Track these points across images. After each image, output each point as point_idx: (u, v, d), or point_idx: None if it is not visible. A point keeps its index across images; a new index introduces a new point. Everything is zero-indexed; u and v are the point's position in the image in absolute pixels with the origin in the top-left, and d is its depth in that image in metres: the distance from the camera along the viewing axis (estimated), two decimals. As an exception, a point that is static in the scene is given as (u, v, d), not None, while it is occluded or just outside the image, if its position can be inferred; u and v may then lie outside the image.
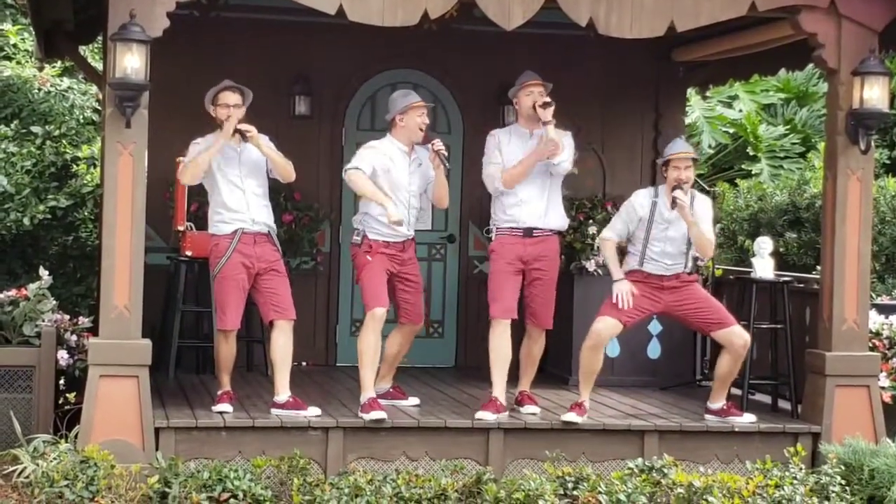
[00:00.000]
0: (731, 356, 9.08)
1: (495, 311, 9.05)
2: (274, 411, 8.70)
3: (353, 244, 9.04)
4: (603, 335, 9.03)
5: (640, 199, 9.11)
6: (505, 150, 9.12)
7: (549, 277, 9.19)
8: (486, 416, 8.81)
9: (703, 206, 9.10)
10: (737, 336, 9.04)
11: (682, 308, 9.14)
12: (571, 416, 8.87)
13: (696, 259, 9.34)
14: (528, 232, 9.11)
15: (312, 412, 8.68)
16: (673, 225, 9.02)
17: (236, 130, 8.71)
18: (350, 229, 9.28)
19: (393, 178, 8.94)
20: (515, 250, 9.09)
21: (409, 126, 8.97)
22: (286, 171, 8.87)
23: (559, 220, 9.23)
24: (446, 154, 8.97)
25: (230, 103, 8.74)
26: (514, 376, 9.35)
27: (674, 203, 8.89)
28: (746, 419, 9.11)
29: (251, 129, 8.73)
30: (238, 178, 8.77)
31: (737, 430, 8.99)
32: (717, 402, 9.18)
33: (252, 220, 8.78)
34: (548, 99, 8.98)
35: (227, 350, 8.91)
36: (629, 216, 9.09)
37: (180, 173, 8.92)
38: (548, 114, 8.94)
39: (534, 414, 9.07)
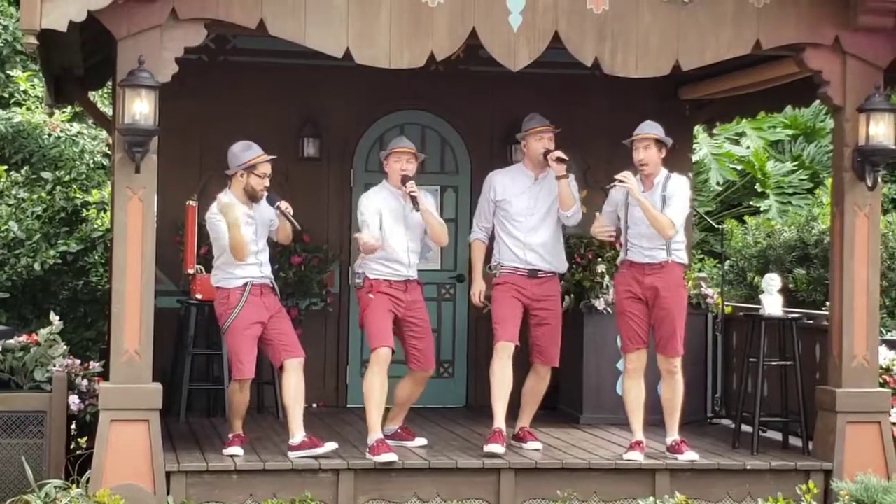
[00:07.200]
0: (665, 383, 9.15)
1: (500, 336, 9.08)
2: (290, 454, 8.67)
3: (356, 287, 9.09)
4: (636, 366, 9.07)
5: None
6: (501, 192, 9.24)
7: (554, 316, 9.26)
8: (495, 449, 8.80)
9: (675, 185, 8.98)
10: (663, 363, 9.07)
11: (652, 311, 9.07)
12: (633, 455, 8.89)
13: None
14: (533, 273, 9.16)
15: (329, 447, 8.67)
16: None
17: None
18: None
19: (390, 221, 8.99)
20: (520, 284, 9.17)
21: (391, 171, 9.03)
22: (288, 235, 8.99)
23: (561, 262, 9.36)
24: (416, 194, 8.89)
25: (268, 173, 8.80)
26: (513, 412, 9.34)
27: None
28: (688, 456, 9.01)
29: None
30: (254, 241, 8.81)
31: (749, 467, 8.97)
32: (669, 436, 9.19)
33: (262, 273, 8.85)
34: (562, 154, 9.02)
35: (241, 398, 8.93)
36: (609, 201, 9.08)
37: (237, 253, 8.70)
38: (562, 168, 9.00)
39: (537, 450, 9.09)
